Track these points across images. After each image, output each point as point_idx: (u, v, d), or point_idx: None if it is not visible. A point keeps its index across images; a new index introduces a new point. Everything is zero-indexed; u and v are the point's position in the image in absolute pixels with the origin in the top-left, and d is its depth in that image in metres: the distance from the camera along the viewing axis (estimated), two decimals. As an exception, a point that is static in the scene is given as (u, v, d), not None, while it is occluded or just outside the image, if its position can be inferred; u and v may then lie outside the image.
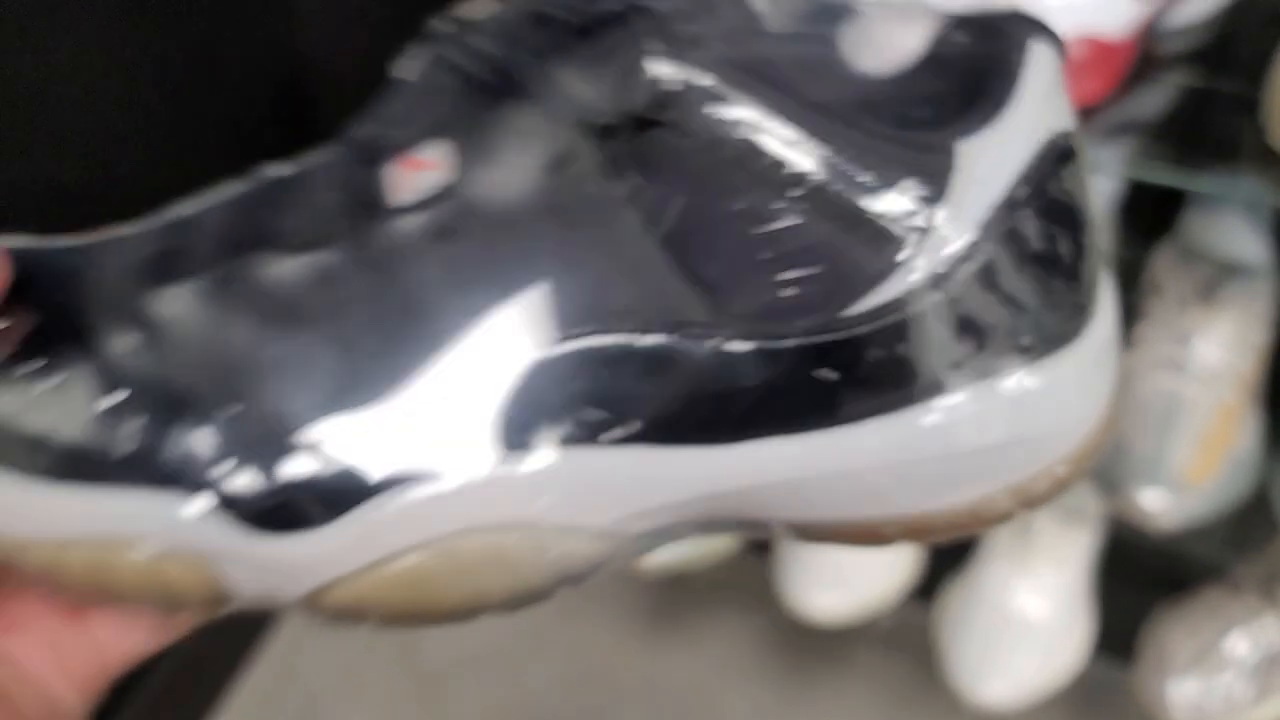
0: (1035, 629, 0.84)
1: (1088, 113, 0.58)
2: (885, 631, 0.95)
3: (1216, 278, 0.72)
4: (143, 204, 0.28)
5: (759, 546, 0.95)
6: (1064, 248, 0.25)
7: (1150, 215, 0.76)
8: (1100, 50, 0.56)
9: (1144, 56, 0.61)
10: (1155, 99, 0.61)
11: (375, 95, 0.27)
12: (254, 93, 0.82)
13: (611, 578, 0.30)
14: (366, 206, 0.24)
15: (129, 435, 0.23)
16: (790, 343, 0.23)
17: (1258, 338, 0.72)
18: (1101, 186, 0.77)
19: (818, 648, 1.04)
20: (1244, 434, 0.71)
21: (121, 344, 0.24)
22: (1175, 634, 0.84)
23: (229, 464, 0.23)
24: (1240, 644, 0.82)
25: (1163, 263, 0.75)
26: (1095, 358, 0.26)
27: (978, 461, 0.25)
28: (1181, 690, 0.81)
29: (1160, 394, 0.71)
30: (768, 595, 1.03)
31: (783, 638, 1.06)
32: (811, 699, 1.02)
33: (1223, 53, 0.62)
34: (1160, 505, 0.69)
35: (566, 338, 0.23)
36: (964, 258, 0.23)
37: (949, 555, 0.89)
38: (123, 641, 0.28)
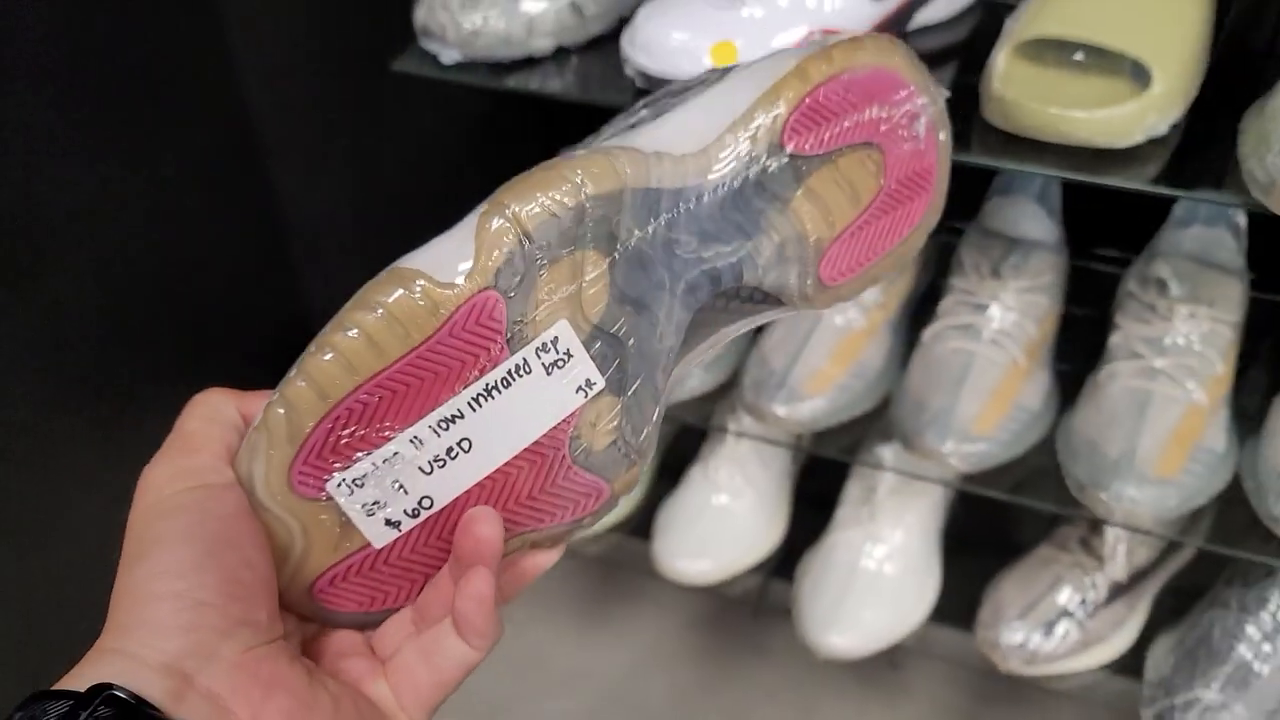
0: (881, 586, 0.91)
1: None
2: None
3: (1007, 254, 0.81)
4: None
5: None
6: None
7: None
8: (841, 43, 0.66)
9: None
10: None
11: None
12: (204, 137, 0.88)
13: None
14: None
15: None
16: None
17: (1045, 305, 0.81)
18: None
19: (735, 636, 1.11)
20: (1031, 390, 0.80)
21: None
22: (1008, 587, 0.91)
23: None
24: (1066, 596, 0.89)
25: (965, 243, 0.84)
26: None
27: None
28: (1014, 637, 0.89)
29: (956, 354, 0.80)
30: (690, 591, 1.11)
31: (703, 627, 1.13)
32: (728, 681, 1.08)
33: (971, 51, 0.71)
34: (950, 450, 0.77)
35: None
36: None
37: (809, 530, 0.97)
38: (460, 663, 0.35)
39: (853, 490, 0.95)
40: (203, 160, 0.87)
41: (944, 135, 0.41)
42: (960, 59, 0.71)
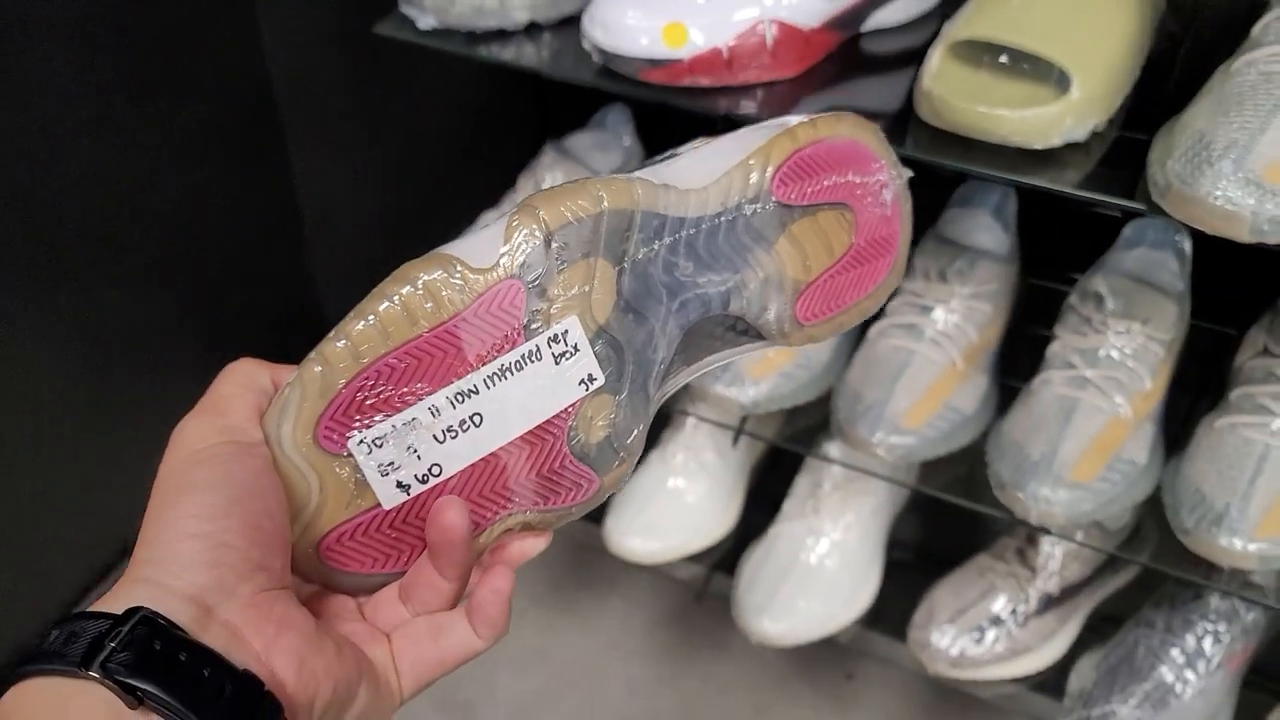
0: (818, 578, 0.93)
1: (781, 84, 0.71)
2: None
3: (954, 260, 0.84)
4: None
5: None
6: None
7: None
8: (790, 33, 0.69)
9: (845, 44, 0.74)
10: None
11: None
12: (223, 98, 0.91)
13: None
14: None
15: None
16: None
17: (988, 312, 0.83)
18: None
19: (695, 631, 1.14)
20: (966, 393, 0.82)
21: None
22: (943, 592, 0.93)
23: None
24: (999, 603, 0.91)
25: (920, 249, 0.86)
26: None
27: None
28: (943, 640, 0.90)
29: (896, 351, 0.82)
30: (657, 586, 1.13)
31: (666, 622, 1.15)
32: (684, 676, 1.11)
33: (923, 57, 0.74)
34: (879, 441, 0.79)
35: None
36: None
37: (754, 526, 1.00)
38: (465, 648, 0.39)
39: (801, 484, 0.97)
40: (221, 129, 0.91)
41: (907, 207, 0.48)
42: (915, 64, 0.74)
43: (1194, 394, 0.84)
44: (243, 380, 0.38)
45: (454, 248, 0.39)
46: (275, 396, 0.38)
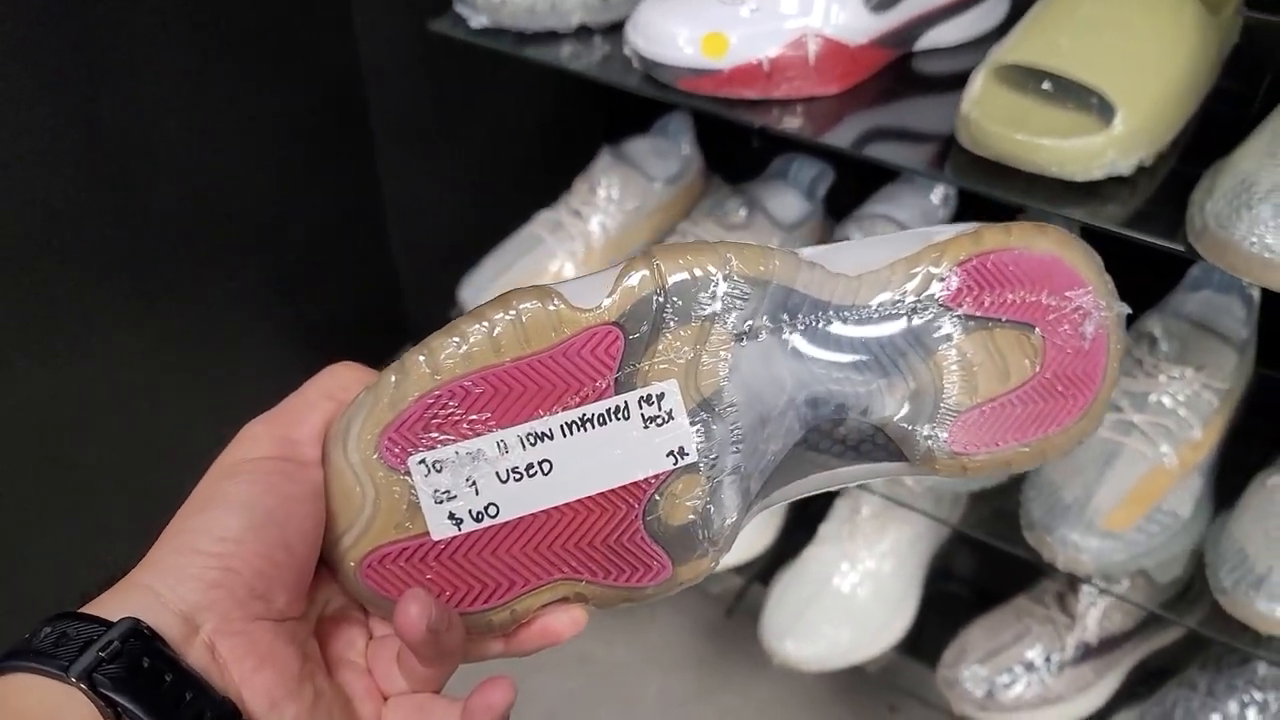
0: (848, 606, 0.92)
1: (824, 100, 0.69)
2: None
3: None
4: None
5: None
6: None
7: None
8: (835, 49, 0.68)
9: (896, 62, 0.72)
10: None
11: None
12: (314, 90, 0.94)
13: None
14: None
15: None
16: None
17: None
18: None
19: (737, 646, 1.12)
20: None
21: None
22: (977, 631, 0.90)
23: None
24: (1033, 649, 0.88)
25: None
26: None
27: None
28: (972, 680, 0.88)
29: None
30: (700, 598, 1.12)
31: (708, 634, 1.14)
32: (722, 692, 1.09)
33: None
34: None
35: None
36: None
37: (798, 544, 0.98)
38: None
39: (839, 508, 0.95)
40: (309, 113, 0.93)
41: (1116, 346, 0.40)
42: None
43: (1262, 447, 0.79)
44: (333, 388, 0.37)
45: (563, 284, 0.36)
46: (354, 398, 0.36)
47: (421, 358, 0.35)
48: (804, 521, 0.99)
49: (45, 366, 0.79)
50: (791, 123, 0.69)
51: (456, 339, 0.35)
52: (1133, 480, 0.72)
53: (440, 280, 0.97)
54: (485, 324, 0.35)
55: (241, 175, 0.89)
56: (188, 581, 0.32)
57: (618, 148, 0.94)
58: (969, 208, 0.88)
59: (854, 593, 0.92)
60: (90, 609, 0.32)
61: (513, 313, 0.35)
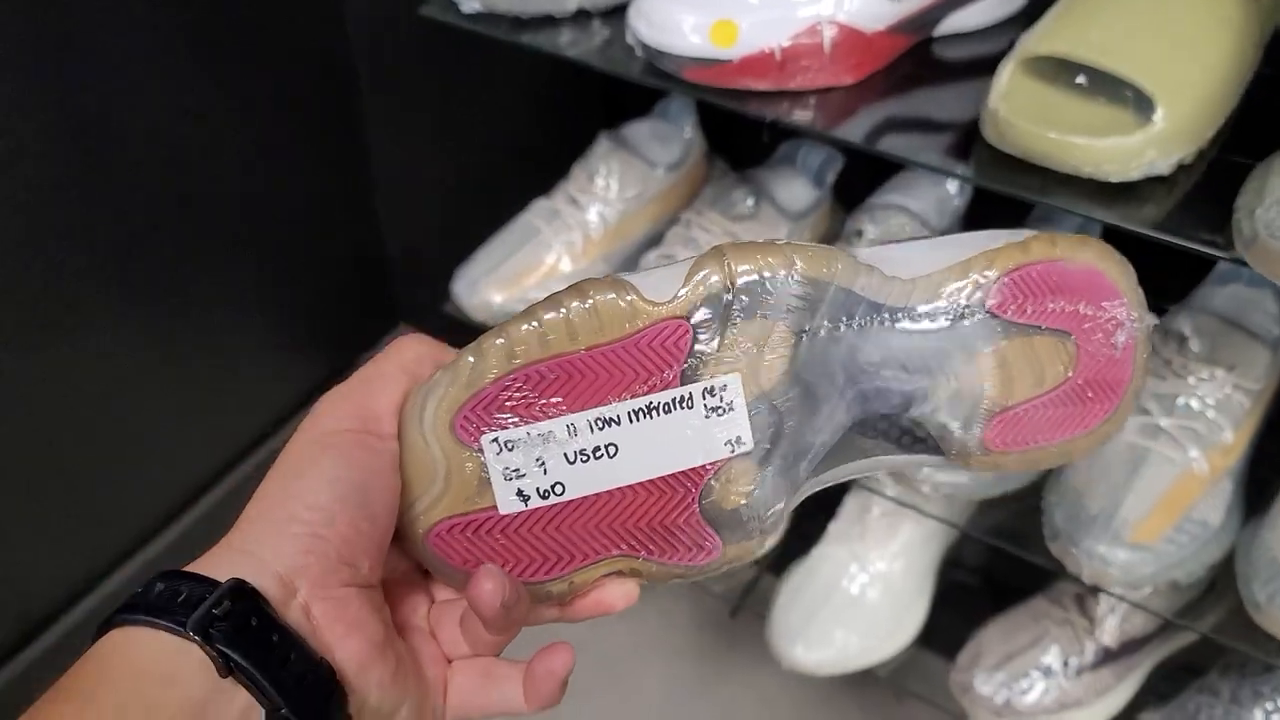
0: (858, 609, 0.89)
1: (839, 91, 0.65)
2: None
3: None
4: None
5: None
6: None
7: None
8: (851, 36, 0.63)
9: (915, 49, 0.68)
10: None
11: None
12: (302, 73, 0.91)
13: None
14: None
15: None
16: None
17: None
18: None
19: (740, 638, 1.09)
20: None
21: None
22: (992, 634, 0.88)
23: None
24: (1050, 653, 0.85)
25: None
26: None
27: None
28: (987, 686, 0.85)
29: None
30: (704, 587, 1.10)
31: (710, 627, 1.12)
32: (725, 682, 1.07)
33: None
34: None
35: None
36: None
37: (804, 539, 0.95)
38: (510, 706, 0.39)
39: (849, 506, 0.92)
40: (298, 93, 0.90)
41: (1142, 357, 0.42)
42: (990, 75, 0.68)
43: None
44: (407, 361, 0.39)
45: (635, 276, 0.38)
46: (430, 376, 0.38)
47: (499, 341, 0.37)
48: (812, 510, 0.96)
49: (27, 360, 0.77)
50: (804, 115, 0.65)
51: (534, 324, 0.37)
52: (1161, 488, 0.69)
53: (432, 268, 0.93)
54: (562, 311, 0.37)
55: (228, 162, 0.86)
56: (285, 546, 0.34)
57: (617, 133, 0.90)
58: (984, 199, 0.84)
59: (864, 595, 0.89)
60: (194, 568, 0.33)
61: (589, 302, 0.37)
